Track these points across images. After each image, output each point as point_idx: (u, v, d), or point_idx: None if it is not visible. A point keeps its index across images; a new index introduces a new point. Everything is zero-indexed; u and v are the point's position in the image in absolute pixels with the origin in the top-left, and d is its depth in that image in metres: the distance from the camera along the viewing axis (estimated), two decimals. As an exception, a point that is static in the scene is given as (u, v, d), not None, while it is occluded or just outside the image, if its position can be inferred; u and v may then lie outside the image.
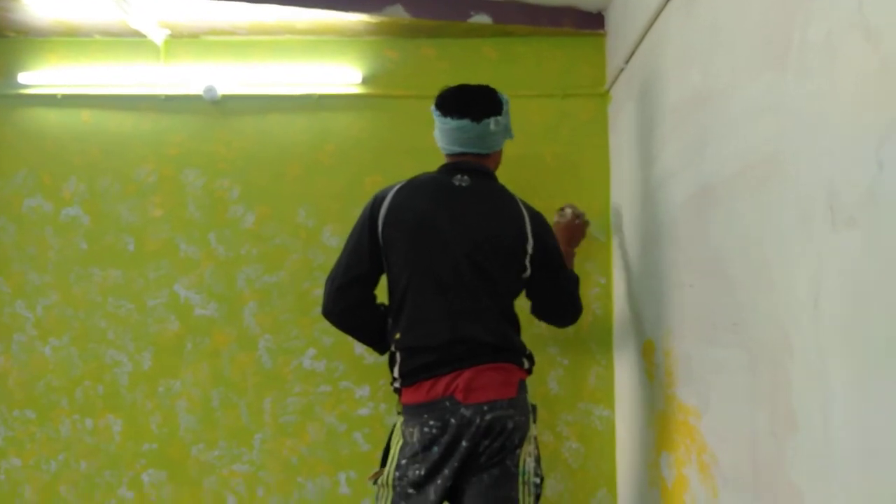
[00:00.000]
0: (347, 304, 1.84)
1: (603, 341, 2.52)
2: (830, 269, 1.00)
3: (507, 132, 1.90)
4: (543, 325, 2.48)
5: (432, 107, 1.86)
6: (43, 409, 2.54)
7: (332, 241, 2.55)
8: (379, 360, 2.44)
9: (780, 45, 1.16)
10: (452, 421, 1.65)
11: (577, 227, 2.21)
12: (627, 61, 2.22)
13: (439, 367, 1.69)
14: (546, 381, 2.50)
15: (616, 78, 2.40)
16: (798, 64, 1.10)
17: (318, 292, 2.53)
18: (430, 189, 1.81)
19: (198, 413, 2.52)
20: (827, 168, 1.01)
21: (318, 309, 2.50)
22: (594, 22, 2.54)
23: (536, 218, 1.87)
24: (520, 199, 1.88)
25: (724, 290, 1.42)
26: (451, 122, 1.80)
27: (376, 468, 1.79)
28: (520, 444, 1.70)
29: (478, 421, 1.64)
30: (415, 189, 1.82)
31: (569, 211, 2.21)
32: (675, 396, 1.78)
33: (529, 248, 1.81)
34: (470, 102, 1.82)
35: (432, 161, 1.93)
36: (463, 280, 1.73)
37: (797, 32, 1.10)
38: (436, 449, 1.65)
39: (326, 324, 2.48)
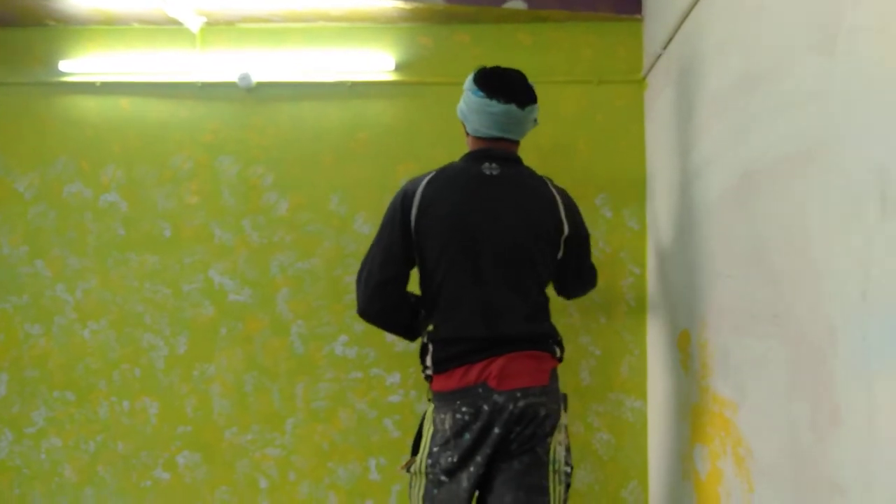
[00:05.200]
0: (385, 304, 1.78)
1: (636, 331, 2.49)
2: (880, 259, 0.97)
3: (535, 121, 1.88)
4: (576, 315, 2.48)
5: (471, 85, 1.78)
6: (82, 391, 2.60)
7: (365, 228, 2.56)
8: (410, 348, 2.45)
9: (828, 28, 1.12)
10: (485, 407, 1.64)
11: None
12: (665, 47, 2.17)
13: (472, 354, 1.68)
14: (577, 371, 2.48)
15: (653, 64, 2.35)
16: (847, 47, 1.06)
17: (351, 279, 2.55)
18: (461, 180, 1.77)
19: (231, 397, 2.56)
20: (878, 155, 0.97)
21: (351, 295, 2.54)
22: (631, 6, 2.49)
23: (566, 197, 1.86)
24: (547, 178, 1.86)
25: (765, 280, 1.38)
26: (498, 106, 1.73)
27: (407, 455, 1.80)
28: (551, 433, 1.69)
29: (511, 407, 1.63)
30: (446, 180, 1.77)
31: None
32: (710, 388, 1.75)
33: (565, 230, 1.81)
34: (515, 88, 1.77)
35: (465, 149, 1.91)
36: (499, 272, 1.71)
37: (847, 15, 1.06)
38: (467, 436, 1.65)
39: (358, 311, 2.53)
